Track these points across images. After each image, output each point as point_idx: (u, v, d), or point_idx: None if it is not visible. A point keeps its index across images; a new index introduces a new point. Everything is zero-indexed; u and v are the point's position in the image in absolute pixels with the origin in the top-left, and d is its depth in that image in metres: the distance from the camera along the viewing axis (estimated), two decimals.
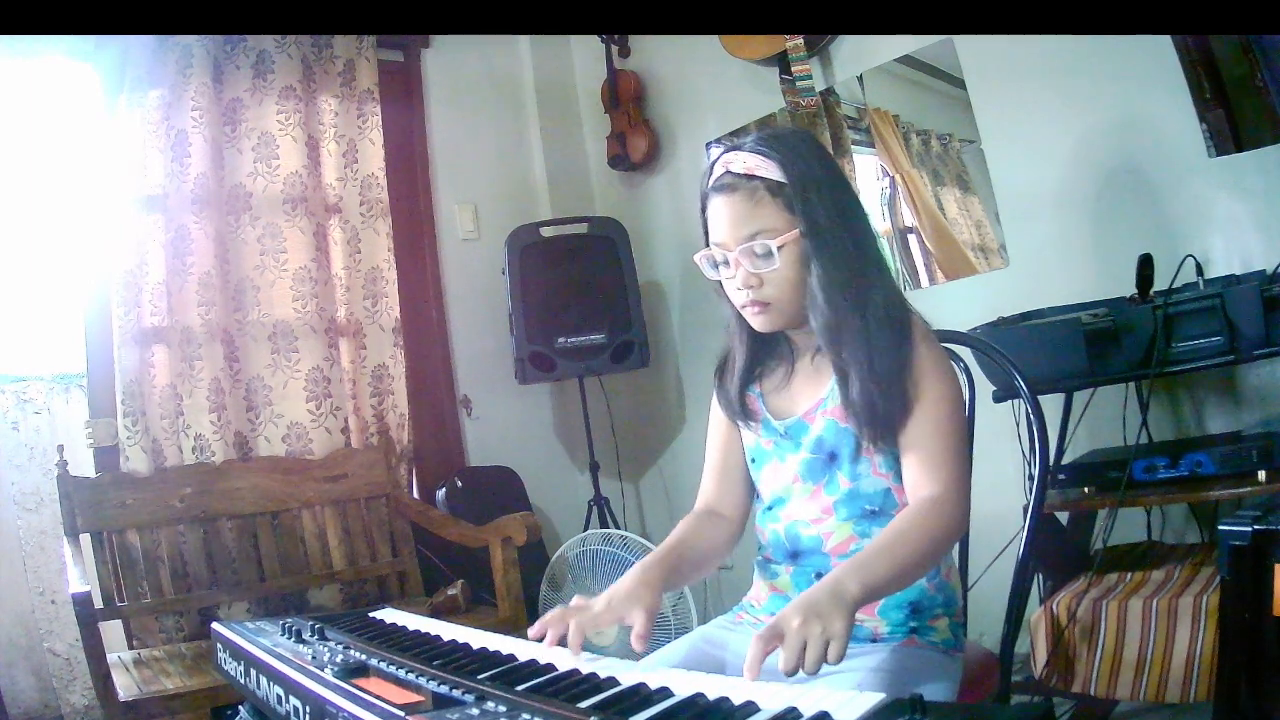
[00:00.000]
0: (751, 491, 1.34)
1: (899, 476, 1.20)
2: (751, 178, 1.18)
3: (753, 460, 1.31)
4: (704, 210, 1.23)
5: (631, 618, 1.07)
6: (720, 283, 1.24)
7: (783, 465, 1.26)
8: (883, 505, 1.21)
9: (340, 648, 1.06)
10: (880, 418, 1.15)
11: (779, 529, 1.27)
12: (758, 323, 1.22)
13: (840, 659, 0.91)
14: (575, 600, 1.13)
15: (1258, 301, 1.72)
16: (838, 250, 1.16)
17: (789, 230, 1.16)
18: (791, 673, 0.90)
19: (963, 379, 1.46)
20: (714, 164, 1.22)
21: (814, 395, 1.24)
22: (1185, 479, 1.85)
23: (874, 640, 1.20)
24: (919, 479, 1.15)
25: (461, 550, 2.72)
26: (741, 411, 1.30)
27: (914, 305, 1.24)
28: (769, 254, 1.16)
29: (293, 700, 0.94)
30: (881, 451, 1.20)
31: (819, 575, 1.22)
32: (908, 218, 2.81)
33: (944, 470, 1.14)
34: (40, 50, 2.60)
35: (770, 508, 1.29)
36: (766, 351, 1.30)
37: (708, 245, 1.23)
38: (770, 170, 1.17)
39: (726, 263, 1.20)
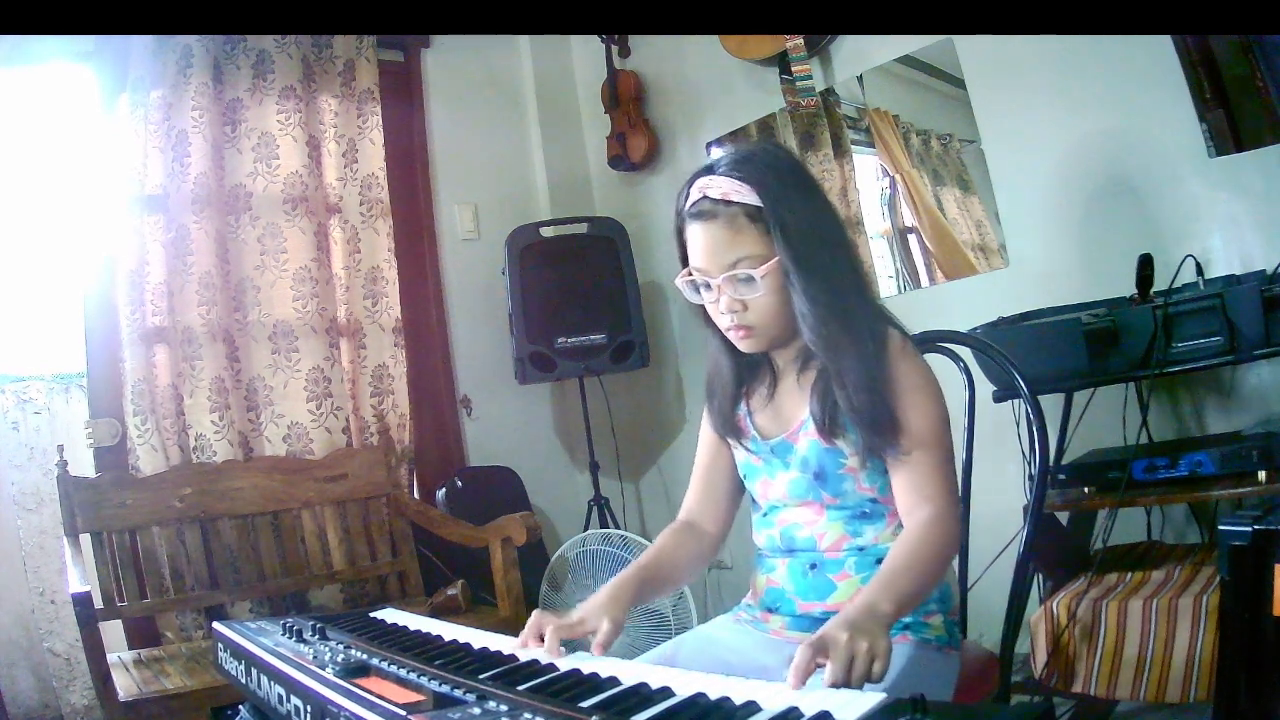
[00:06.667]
0: (734, 506, 1.38)
1: (885, 488, 1.22)
2: (729, 203, 1.18)
3: (745, 475, 1.34)
4: (681, 233, 1.25)
5: (598, 628, 1.11)
6: (702, 306, 1.25)
7: (773, 481, 1.29)
8: (871, 510, 1.24)
9: (341, 647, 1.07)
10: (876, 432, 1.16)
11: (774, 533, 1.30)
12: (744, 345, 1.24)
13: (883, 676, 0.91)
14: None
15: (1258, 301, 1.72)
16: (818, 272, 1.17)
17: (770, 256, 1.17)
18: (835, 686, 0.88)
19: (962, 379, 1.46)
20: (690, 187, 1.23)
21: (797, 415, 1.26)
22: (1185, 479, 1.85)
23: None
24: (913, 501, 1.17)
25: (461, 550, 2.72)
26: (731, 429, 1.32)
27: (894, 315, 1.25)
28: (751, 281, 1.17)
29: (294, 700, 0.94)
30: (865, 467, 1.21)
31: (813, 567, 1.25)
32: (908, 218, 2.81)
33: (937, 489, 1.16)
34: (41, 51, 2.59)
35: (765, 514, 1.32)
36: (751, 371, 1.32)
37: (685, 266, 1.24)
38: (747, 195, 1.17)
39: (709, 287, 1.21)
